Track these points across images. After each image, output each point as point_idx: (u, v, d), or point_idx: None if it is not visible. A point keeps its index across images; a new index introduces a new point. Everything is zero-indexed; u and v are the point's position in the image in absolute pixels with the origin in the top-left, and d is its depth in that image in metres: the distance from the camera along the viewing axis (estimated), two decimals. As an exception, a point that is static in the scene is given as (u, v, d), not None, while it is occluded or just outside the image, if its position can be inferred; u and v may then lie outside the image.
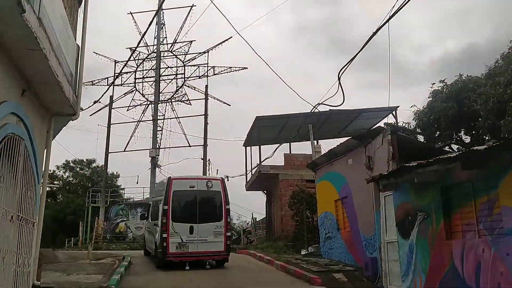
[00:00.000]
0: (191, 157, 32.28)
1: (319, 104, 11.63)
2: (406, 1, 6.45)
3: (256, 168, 22.22)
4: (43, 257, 10.63)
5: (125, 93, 33.43)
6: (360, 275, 10.50)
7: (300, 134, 20.66)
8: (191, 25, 32.03)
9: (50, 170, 41.40)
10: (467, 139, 13.10)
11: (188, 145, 31.18)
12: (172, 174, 27.11)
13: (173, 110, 32.48)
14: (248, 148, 24.45)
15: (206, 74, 32.49)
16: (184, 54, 33.33)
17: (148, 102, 32.86)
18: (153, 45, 33.49)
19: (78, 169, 42.99)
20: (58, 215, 34.59)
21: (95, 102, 12.60)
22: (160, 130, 31.94)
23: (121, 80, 33.46)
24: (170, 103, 32.65)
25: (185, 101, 32.68)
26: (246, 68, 32.32)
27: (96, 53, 33.66)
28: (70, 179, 43.03)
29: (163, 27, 33.85)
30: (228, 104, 32.61)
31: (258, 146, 22.29)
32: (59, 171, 42.68)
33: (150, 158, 30.71)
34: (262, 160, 21.56)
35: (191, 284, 9.70)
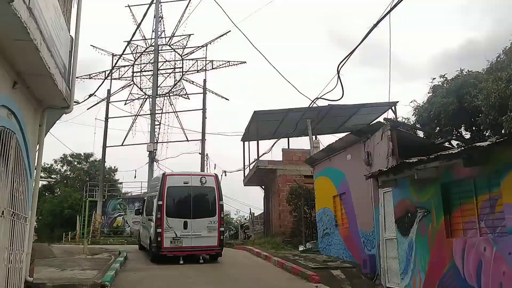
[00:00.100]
0: (189, 152, 32.01)
1: (317, 98, 11.47)
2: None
3: (254, 163, 22.09)
4: (38, 253, 10.52)
5: (123, 86, 33.25)
6: (359, 272, 10.40)
7: (298, 129, 20.51)
8: (190, 13, 31.68)
9: (48, 164, 41.56)
10: (467, 135, 12.96)
11: (186, 139, 31.05)
12: (170, 169, 27.08)
13: (171, 104, 32.32)
14: (246, 143, 24.32)
15: (204, 68, 32.29)
16: (182, 48, 33.10)
17: (146, 96, 32.67)
18: (151, 39, 33.23)
19: (75, 163, 42.85)
20: (55, 209, 34.53)
21: (90, 96, 12.44)
22: (158, 125, 31.76)
23: (119, 74, 33.27)
24: (168, 97, 32.46)
25: (183, 95, 32.52)
26: (245, 62, 32.12)
27: (93, 46, 33.41)
28: (68, 173, 42.91)
29: (161, 20, 33.58)
30: (226, 99, 32.46)
31: (256, 141, 22.13)
32: (57, 165, 42.63)
33: (148, 152, 30.57)
34: (260, 155, 21.41)
35: (187, 281, 9.58)
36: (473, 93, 11.50)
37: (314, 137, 20.42)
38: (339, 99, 9.92)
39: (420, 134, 13.31)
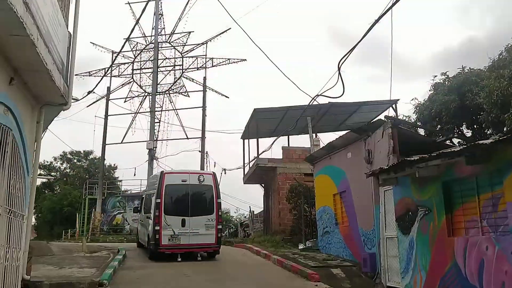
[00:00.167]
0: (189, 150, 32.01)
1: (318, 95, 11.37)
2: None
3: (254, 161, 22.01)
4: (36, 250, 10.46)
5: (123, 84, 33.17)
6: (359, 271, 10.33)
7: (298, 127, 20.42)
8: (190, 7, 31.58)
9: (47, 162, 41.35)
10: (468, 134, 12.89)
11: (186, 137, 31.01)
12: (169, 167, 27.02)
13: (170, 102, 32.25)
14: (246, 141, 24.24)
15: (204, 65, 32.19)
16: (182, 45, 33.00)
17: (146, 94, 32.58)
18: (151, 36, 33.12)
19: (75, 161, 42.75)
20: (55, 207, 34.47)
21: (89, 92, 12.31)
22: (157, 122, 31.69)
23: (119, 71, 33.18)
24: (168, 94, 32.38)
25: (183, 93, 32.43)
26: (245, 60, 32.03)
27: (93, 43, 33.34)
28: (67, 171, 42.80)
29: (161, 18, 33.46)
30: (226, 97, 32.41)
31: (256, 139, 22.06)
32: (56, 163, 42.51)
33: (148, 150, 30.50)
34: (260, 153, 21.34)
35: (186, 279, 9.52)
36: (475, 90, 11.44)
37: (314, 135, 20.34)
38: (339, 96, 9.84)
39: (421, 132, 13.24)
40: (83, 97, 12.64)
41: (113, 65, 32.01)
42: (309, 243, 15.79)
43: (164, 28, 33.41)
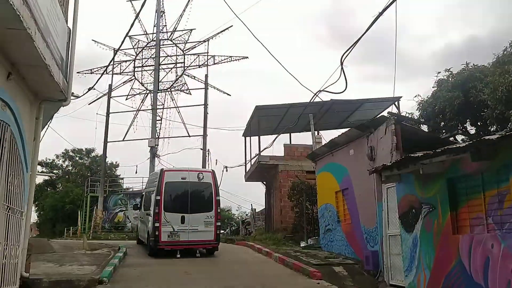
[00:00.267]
0: (190, 147, 31.96)
1: (320, 91, 11.27)
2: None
3: (256, 158, 21.93)
4: (37, 248, 10.41)
5: (124, 81, 33.16)
6: (361, 269, 10.24)
7: (300, 125, 20.32)
8: (191, 5, 31.50)
9: (50, 159, 41.32)
10: (472, 131, 12.74)
11: (187, 135, 30.95)
12: (171, 164, 26.97)
13: (172, 100, 32.19)
14: (248, 138, 24.15)
15: (206, 63, 32.11)
16: (184, 42, 32.92)
17: (147, 91, 32.52)
18: (153, 33, 33.06)
19: (77, 158, 42.72)
20: (57, 204, 34.49)
21: (89, 89, 12.28)
22: (159, 120, 31.68)
23: (120, 69, 33.13)
24: (169, 92, 32.32)
25: (185, 91, 32.36)
26: (247, 57, 31.96)
27: (95, 41, 33.31)
28: (70, 168, 42.78)
29: (163, 15, 33.38)
30: (228, 94, 32.38)
31: (257, 136, 21.98)
32: (59, 160, 42.50)
33: (149, 147, 30.45)
34: (261, 150, 21.24)
35: (187, 277, 9.44)
36: (479, 87, 11.29)
37: (316, 132, 20.23)
38: (342, 92, 9.73)
39: (424, 128, 13.11)
40: (84, 94, 12.62)
41: (115, 63, 31.99)
42: (311, 241, 15.72)
43: (165, 25, 33.40)
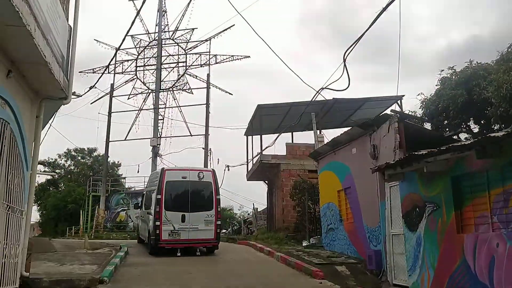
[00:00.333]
0: (192, 147, 31.95)
1: (322, 88, 11.18)
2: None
3: (258, 157, 21.86)
4: (38, 247, 10.37)
5: (126, 81, 33.13)
6: (364, 268, 10.15)
7: (302, 124, 20.22)
8: (193, 5, 31.43)
9: (52, 159, 41.33)
10: (476, 129, 12.62)
11: (189, 134, 30.91)
12: (173, 163, 26.94)
13: (174, 99, 32.16)
14: (250, 137, 24.09)
15: (208, 62, 32.06)
16: (186, 42, 32.86)
17: (149, 91, 32.49)
18: (155, 33, 33.01)
19: (79, 158, 42.74)
20: (59, 204, 34.50)
21: (91, 88, 12.29)
22: (161, 119, 31.67)
23: (122, 68, 33.11)
24: (171, 91, 32.28)
25: (187, 90, 32.30)
26: (249, 56, 31.90)
27: (97, 40, 33.31)
28: (72, 168, 42.80)
29: (165, 15, 33.35)
30: (230, 94, 32.29)
31: (259, 135, 21.90)
32: (61, 160, 42.52)
33: (151, 147, 30.42)
34: (263, 149, 21.18)
35: (188, 276, 9.38)
36: (483, 85, 11.18)
37: (318, 131, 20.14)
38: (345, 89, 9.65)
39: (428, 126, 13.00)
40: (85, 93, 12.64)
41: (117, 62, 31.96)
42: (313, 240, 15.65)
43: (167, 25, 33.37)
